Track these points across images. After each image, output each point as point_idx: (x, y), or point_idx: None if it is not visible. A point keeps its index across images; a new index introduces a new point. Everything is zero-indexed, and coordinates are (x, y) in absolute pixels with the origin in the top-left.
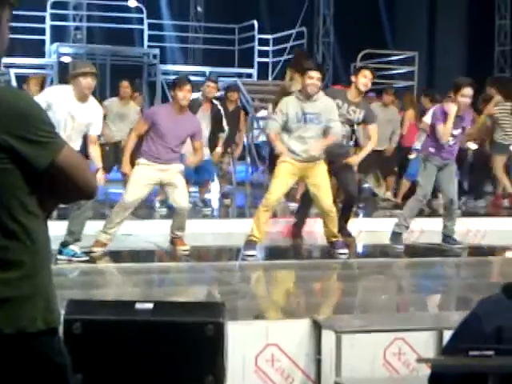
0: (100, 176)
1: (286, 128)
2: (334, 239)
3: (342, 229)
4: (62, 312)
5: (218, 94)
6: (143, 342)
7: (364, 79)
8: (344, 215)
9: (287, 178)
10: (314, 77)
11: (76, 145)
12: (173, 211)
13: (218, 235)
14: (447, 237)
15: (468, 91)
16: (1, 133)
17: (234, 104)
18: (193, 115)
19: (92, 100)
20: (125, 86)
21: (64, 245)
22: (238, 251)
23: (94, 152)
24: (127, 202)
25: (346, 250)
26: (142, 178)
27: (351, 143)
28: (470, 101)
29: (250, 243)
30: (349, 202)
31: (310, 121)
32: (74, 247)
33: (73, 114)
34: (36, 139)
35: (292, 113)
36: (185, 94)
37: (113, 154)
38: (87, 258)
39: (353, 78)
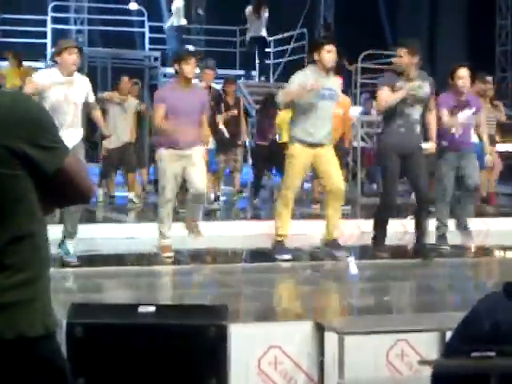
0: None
1: (298, 109)
2: (331, 238)
3: (420, 238)
4: (65, 316)
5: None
6: (146, 345)
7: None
8: (417, 221)
9: (301, 168)
10: (331, 50)
11: (79, 130)
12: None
13: (219, 237)
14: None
15: (463, 71)
16: (16, 140)
17: (232, 97)
18: (200, 87)
19: (76, 74)
20: (125, 81)
21: (62, 241)
22: (242, 253)
23: (97, 117)
24: (167, 198)
25: (343, 253)
26: (168, 168)
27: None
28: (467, 82)
29: (281, 245)
30: (421, 205)
31: (327, 98)
32: (70, 246)
33: (66, 93)
34: (47, 145)
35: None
36: (191, 68)
37: (117, 156)
38: (77, 263)
39: (395, 58)
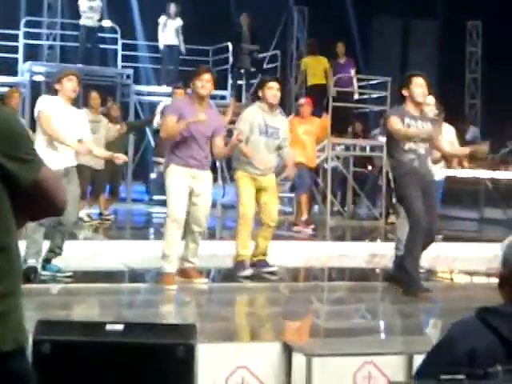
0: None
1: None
2: (262, 257)
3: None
4: (32, 332)
5: None
6: (112, 363)
7: None
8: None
9: (251, 187)
10: (273, 87)
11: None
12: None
13: None
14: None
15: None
16: None
17: None
18: (214, 108)
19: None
20: (94, 97)
21: (47, 261)
22: (213, 272)
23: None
24: (176, 217)
25: (274, 268)
26: (179, 184)
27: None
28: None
29: (241, 263)
30: (426, 241)
31: (270, 135)
32: (58, 262)
33: (67, 118)
34: (23, 157)
35: (257, 124)
36: (203, 84)
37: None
38: (71, 274)
39: (405, 92)
